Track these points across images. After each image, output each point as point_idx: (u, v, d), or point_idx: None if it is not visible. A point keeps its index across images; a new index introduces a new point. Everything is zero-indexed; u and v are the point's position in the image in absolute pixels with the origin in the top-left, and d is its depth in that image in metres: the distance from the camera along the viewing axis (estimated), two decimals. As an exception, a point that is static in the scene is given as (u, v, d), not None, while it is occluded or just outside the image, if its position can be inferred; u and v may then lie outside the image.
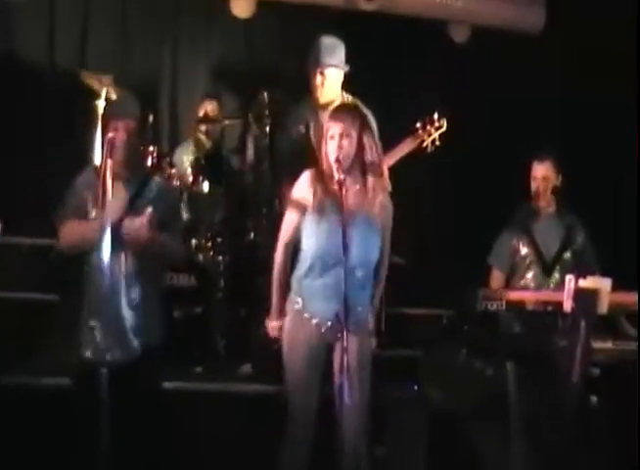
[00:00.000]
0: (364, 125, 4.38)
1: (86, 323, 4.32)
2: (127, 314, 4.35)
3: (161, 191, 4.57)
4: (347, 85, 5.92)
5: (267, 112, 6.14)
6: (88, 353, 4.30)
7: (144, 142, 6.08)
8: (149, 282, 4.45)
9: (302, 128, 5.69)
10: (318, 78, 5.55)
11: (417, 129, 5.90)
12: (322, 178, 4.36)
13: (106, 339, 4.24)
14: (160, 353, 4.56)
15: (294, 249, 4.48)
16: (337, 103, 5.45)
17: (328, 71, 5.55)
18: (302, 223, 4.38)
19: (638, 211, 6.55)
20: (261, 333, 5.77)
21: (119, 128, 4.37)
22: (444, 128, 5.90)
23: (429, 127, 5.88)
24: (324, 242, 4.29)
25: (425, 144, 5.89)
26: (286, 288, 4.45)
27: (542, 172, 5.47)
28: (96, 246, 4.17)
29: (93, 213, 4.38)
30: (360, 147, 4.32)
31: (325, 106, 5.54)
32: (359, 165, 4.34)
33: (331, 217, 4.27)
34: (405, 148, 5.87)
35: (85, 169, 4.57)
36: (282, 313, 4.46)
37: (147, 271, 4.43)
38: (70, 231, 4.40)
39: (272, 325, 4.51)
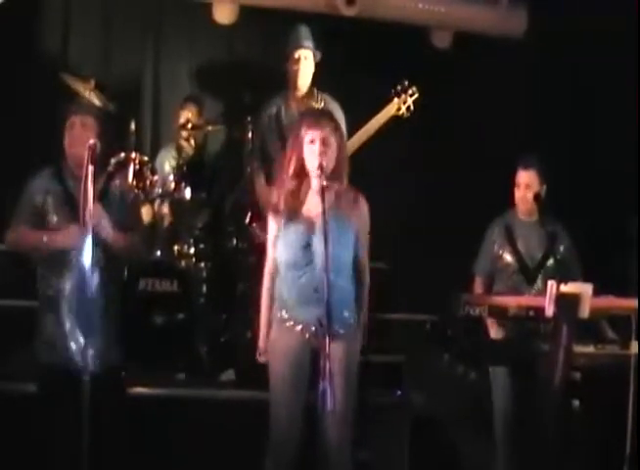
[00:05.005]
0: (340, 131, 4.46)
1: (60, 329, 4.32)
2: (90, 320, 4.32)
3: (122, 192, 4.63)
4: (326, 88, 6.01)
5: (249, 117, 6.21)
6: (52, 359, 4.30)
7: (124, 146, 6.15)
8: (111, 286, 4.47)
9: (273, 110, 5.94)
10: (295, 64, 5.88)
11: (392, 98, 6.09)
12: (292, 183, 4.37)
13: (77, 345, 4.21)
14: (122, 359, 4.56)
15: None
16: (304, 100, 5.84)
17: (306, 54, 5.90)
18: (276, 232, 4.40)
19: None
20: (244, 339, 5.82)
21: (77, 125, 4.38)
22: (417, 95, 6.09)
23: (403, 95, 6.06)
24: (294, 248, 4.31)
25: (400, 111, 6.06)
26: (271, 317, 4.44)
27: (526, 180, 5.45)
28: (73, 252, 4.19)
29: (55, 219, 4.41)
30: (338, 153, 4.36)
31: (297, 93, 5.92)
32: (335, 171, 4.35)
33: (300, 223, 4.31)
34: (382, 117, 6.04)
35: (40, 172, 4.54)
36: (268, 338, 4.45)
37: (109, 275, 4.43)
38: (25, 237, 4.39)
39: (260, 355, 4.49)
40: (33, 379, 4.58)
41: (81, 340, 4.21)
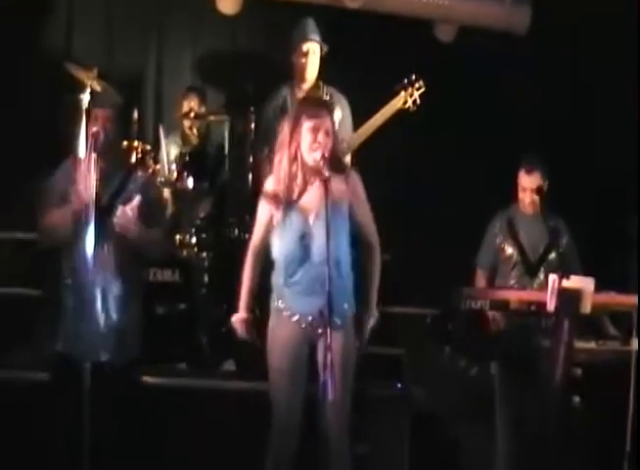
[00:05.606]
0: (333, 119, 4.47)
1: (67, 318, 4.32)
2: (108, 309, 4.33)
3: (144, 185, 4.60)
4: (330, 81, 5.99)
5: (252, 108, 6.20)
6: (68, 349, 4.30)
7: (127, 135, 6.14)
8: (129, 277, 4.46)
9: (279, 102, 5.93)
10: (303, 57, 5.89)
11: (398, 91, 6.07)
12: (291, 172, 4.33)
13: (87, 334, 4.23)
14: (140, 349, 4.57)
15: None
16: (310, 93, 5.85)
17: (313, 47, 5.90)
18: (274, 222, 4.38)
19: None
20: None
21: (99, 117, 4.39)
22: (423, 88, 6.08)
23: (410, 88, 6.05)
24: (293, 238, 4.29)
25: (407, 105, 6.04)
26: (254, 287, 4.44)
27: (531, 184, 5.45)
28: (77, 235, 4.21)
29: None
30: (336, 143, 4.39)
31: (303, 85, 5.92)
32: (335, 161, 4.34)
33: (299, 213, 4.29)
34: (388, 111, 6.02)
35: (65, 162, 4.56)
36: (248, 308, 4.44)
37: (128, 266, 4.44)
38: (51, 217, 4.38)
39: (236, 318, 4.47)
40: (44, 368, 4.60)
41: (99, 330, 4.24)
